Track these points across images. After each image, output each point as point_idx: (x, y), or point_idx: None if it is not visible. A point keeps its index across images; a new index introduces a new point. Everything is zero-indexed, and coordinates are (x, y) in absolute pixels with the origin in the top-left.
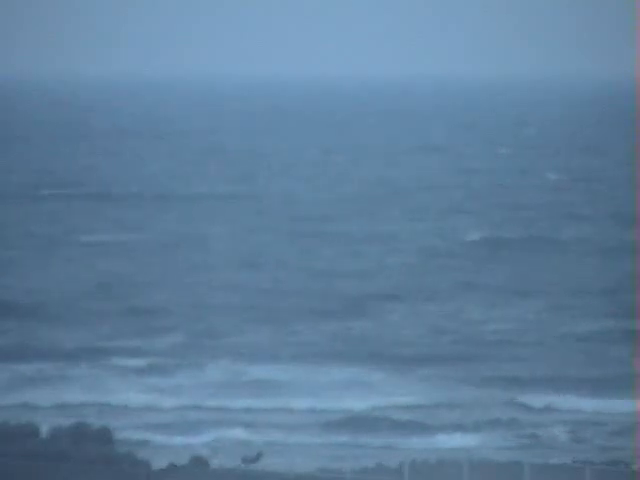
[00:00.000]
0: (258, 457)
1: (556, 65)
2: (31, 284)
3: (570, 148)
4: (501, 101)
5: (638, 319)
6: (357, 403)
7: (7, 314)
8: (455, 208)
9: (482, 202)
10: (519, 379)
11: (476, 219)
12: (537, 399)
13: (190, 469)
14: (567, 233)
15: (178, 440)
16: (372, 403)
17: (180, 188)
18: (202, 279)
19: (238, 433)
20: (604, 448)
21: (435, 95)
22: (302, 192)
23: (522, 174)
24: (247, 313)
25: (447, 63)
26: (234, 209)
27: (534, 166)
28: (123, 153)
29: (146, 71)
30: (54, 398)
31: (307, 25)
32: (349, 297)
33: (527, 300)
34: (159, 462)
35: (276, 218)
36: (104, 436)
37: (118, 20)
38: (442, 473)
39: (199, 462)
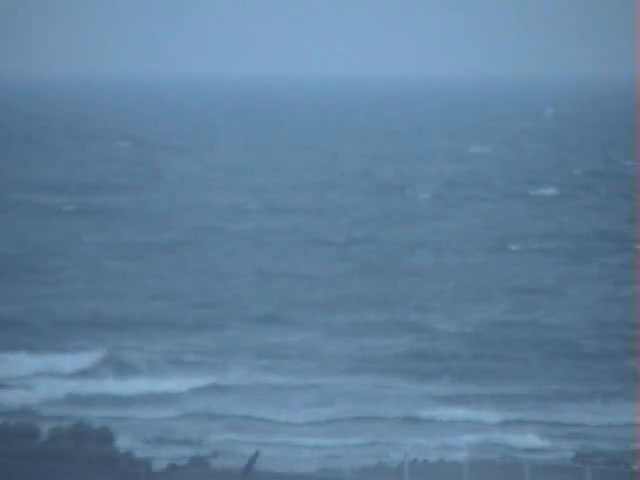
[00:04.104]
0: (256, 456)
1: (556, 65)
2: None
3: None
4: (501, 101)
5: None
6: None
7: None
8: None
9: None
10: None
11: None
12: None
13: (190, 469)
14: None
15: None
16: None
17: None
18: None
19: None
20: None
21: (434, 96)
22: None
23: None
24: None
25: (446, 63)
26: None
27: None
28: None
29: (141, 72)
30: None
31: (298, 24)
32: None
33: None
34: (159, 462)
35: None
36: (104, 436)
37: (113, 20)
38: (442, 473)
39: (199, 462)
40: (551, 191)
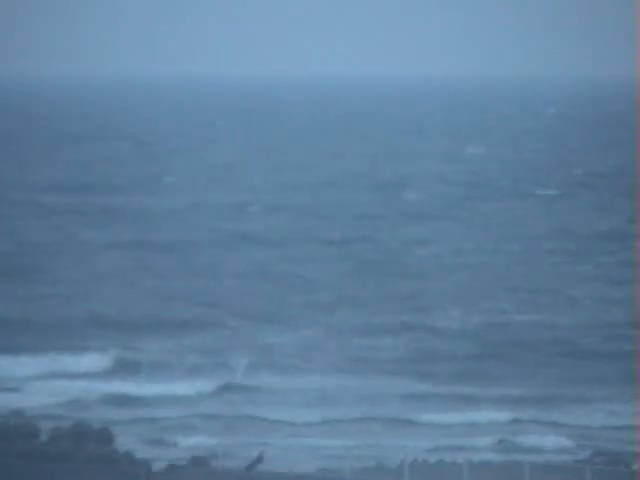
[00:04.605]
0: (260, 458)
1: (556, 65)
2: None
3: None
4: (501, 101)
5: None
6: None
7: None
8: None
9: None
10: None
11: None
12: None
13: (190, 469)
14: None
15: None
16: None
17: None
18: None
19: None
20: None
21: (434, 96)
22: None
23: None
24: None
25: (446, 63)
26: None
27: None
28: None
29: (139, 71)
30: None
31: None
32: None
33: None
34: (159, 462)
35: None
36: (104, 436)
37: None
38: (442, 473)
39: (199, 462)
40: (551, 191)
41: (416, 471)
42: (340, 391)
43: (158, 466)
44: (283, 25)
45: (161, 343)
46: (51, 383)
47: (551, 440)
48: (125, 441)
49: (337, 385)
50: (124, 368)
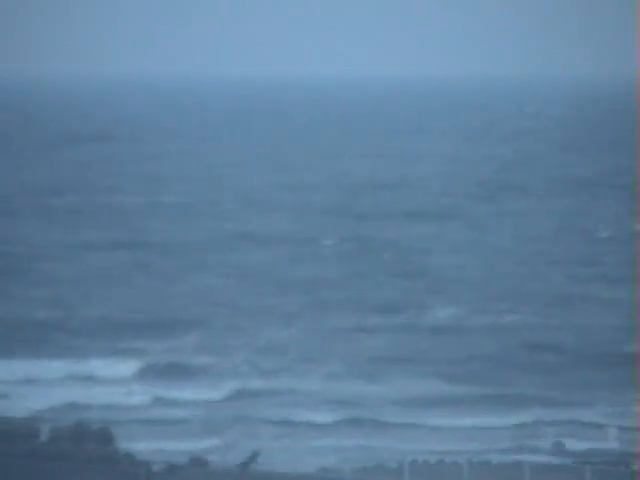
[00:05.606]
0: (255, 457)
1: (556, 65)
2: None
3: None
4: (501, 101)
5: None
6: None
7: None
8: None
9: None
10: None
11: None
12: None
13: (190, 469)
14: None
15: None
16: None
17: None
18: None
19: None
20: None
21: (434, 96)
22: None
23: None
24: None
25: (446, 63)
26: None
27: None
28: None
29: (137, 71)
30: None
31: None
32: None
33: None
34: (159, 462)
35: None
36: (104, 436)
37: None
38: (442, 473)
39: (199, 462)
40: (551, 191)
41: (416, 471)
42: (341, 391)
43: (158, 466)
44: (283, 25)
45: (162, 343)
46: (52, 385)
47: (566, 442)
48: (126, 442)
49: (338, 385)
50: (124, 368)
